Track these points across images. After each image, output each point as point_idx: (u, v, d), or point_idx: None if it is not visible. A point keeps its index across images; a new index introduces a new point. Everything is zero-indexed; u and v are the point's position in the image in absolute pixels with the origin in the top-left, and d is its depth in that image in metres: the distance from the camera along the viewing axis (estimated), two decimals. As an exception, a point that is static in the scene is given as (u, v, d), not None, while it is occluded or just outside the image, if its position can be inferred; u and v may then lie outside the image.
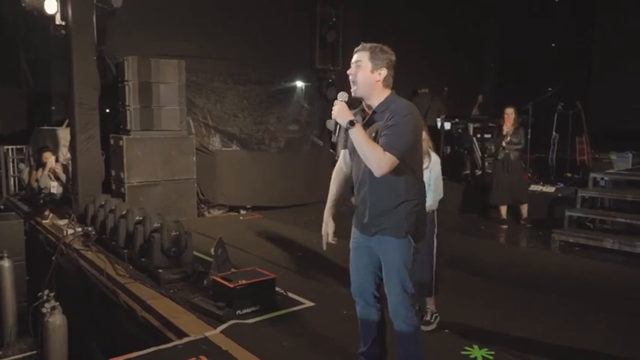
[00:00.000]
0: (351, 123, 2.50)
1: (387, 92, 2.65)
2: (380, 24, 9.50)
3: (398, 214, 2.61)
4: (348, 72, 2.66)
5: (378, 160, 2.47)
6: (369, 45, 2.64)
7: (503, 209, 7.03)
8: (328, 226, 2.90)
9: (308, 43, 9.49)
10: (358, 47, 2.67)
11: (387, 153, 2.46)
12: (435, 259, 3.66)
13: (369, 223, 2.69)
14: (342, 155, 2.91)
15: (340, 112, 2.55)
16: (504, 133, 6.79)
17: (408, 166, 2.59)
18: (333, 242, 2.91)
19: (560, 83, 8.69)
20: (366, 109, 2.69)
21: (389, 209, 2.62)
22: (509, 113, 6.80)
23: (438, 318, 3.70)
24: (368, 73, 2.60)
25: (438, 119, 9.22)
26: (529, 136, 6.92)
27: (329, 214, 2.92)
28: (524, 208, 7.00)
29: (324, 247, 2.94)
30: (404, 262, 2.64)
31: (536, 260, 5.62)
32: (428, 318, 3.65)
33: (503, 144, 6.78)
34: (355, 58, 2.64)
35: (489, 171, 8.75)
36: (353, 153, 2.70)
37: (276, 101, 9.20)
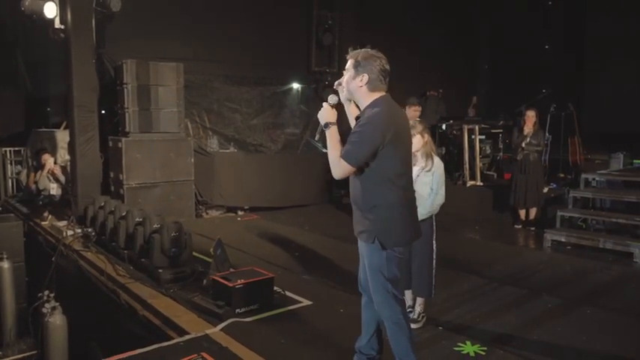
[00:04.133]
0: (326, 125, 2.67)
1: (375, 96, 2.72)
2: (376, 26, 9.61)
3: (368, 219, 2.71)
4: (340, 80, 2.81)
5: (333, 165, 2.64)
6: (354, 52, 2.77)
7: (521, 212, 7.08)
8: None
9: (305, 46, 9.59)
10: (348, 54, 2.79)
11: (341, 160, 2.60)
12: (435, 262, 3.72)
13: (355, 221, 2.82)
14: None
15: (322, 113, 2.72)
16: (525, 133, 6.88)
17: (379, 173, 2.65)
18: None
19: (552, 87, 8.82)
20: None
21: (362, 211, 2.74)
22: (531, 116, 6.88)
23: (425, 318, 3.79)
24: (351, 80, 2.73)
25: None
26: (519, 138, 7.01)
27: None
28: (533, 211, 7.02)
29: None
30: (377, 266, 2.71)
31: (528, 259, 5.72)
32: (415, 317, 3.73)
33: (523, 145, 6.87)
34: (346, 66, 2.79)
35: (488, 172, 8.88)
36: None
37: (273, 103, 9.30)
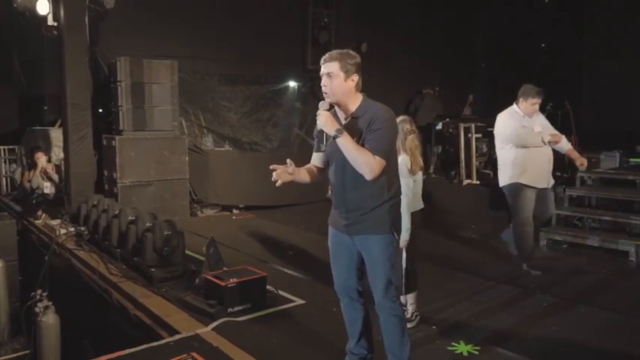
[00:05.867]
0: (339, 131, 2.58)
1: (360, 96, 2.72)
2: (372, 24, 9.59)
3: (381, 213, 2.69)
4: (322, 84, 2.69)
5: (370, 164, 2.56)
6: (335, 53, 2.68)
7: None
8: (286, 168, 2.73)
9: (300, 44, 9.55)
10: (325, 57, 2.69)
11: (376, 157, 2.56)
12: (406, 258, 3.66)
13: (353, 223, 2.75)
14: (315, 158, 2.93)
15: (326, 121, 2.62)
16: None
17: (390, 167, 2.68)
18: (278, 175, 2.71)
19: (549, 85, 8.78)
20: (340, 115, 2.74)
21: (372, 209, 2.69)
22: None
23: (419, 317, 3.75)
24: (342, 82, 2.64)
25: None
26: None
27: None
28: None
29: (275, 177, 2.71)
30: (387, 257, 2.72)
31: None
32: (408, 316, 3.69)
33: None
34: (325, 69, 2.66)
35: (484, 171, 8.85)
36: (331, 158, 2.77)
37: (268, 101, 9.26)
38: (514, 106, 5.08)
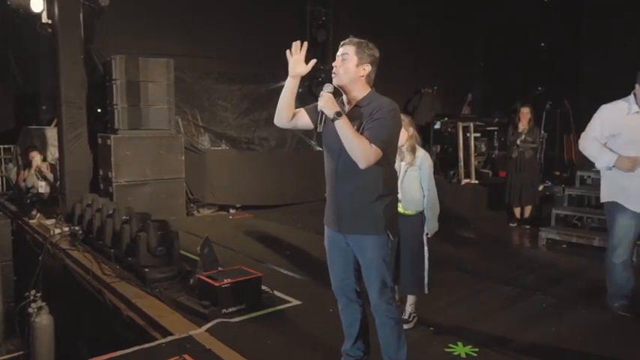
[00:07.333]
0: (338, 114, 2.52)
1: (369, 89, 2.67)
2: (371, 23, 9.51)
3: (375, 210, 2.62)
4: (334, 64, 2.66)
5: (365, 152, 2.48)
6: (355, 39, 2.66)
7: (516, 210, 7.03)
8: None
9: (298, 42, 9.49)
10: (345, 41, 2.67)
11: (373, 145, 2.49)
12: (427, 259, 3.63)
13: (346, 220, 2.68)
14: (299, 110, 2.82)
15: (327, 103, 2.56)
16: (520, 131, 6.83)
17: (387, 160, 2.61)
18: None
19: (548, 84, 8.75)
20: (346, 103, 2.69)
21: (366, 203, 2.62)
22: (525, 112, 6.84)
23: (416, 318, 3.70)
24: (353, 67, 2.61)
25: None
26: (514, 135, 6.96)
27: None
28: (528, 209, 6.98)
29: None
30: (382, 258, 2.65)
31: (522, 258, 5.66)
32: (406, 317, 3.64)
33: (518, 142, 6.81)
34: (341, 51, 2.65)
35: (483, 170, 8.81)
36: (329, 147, 2.70)
37: (265, 100, 9.16)
38: (632, 94, 3.75)
